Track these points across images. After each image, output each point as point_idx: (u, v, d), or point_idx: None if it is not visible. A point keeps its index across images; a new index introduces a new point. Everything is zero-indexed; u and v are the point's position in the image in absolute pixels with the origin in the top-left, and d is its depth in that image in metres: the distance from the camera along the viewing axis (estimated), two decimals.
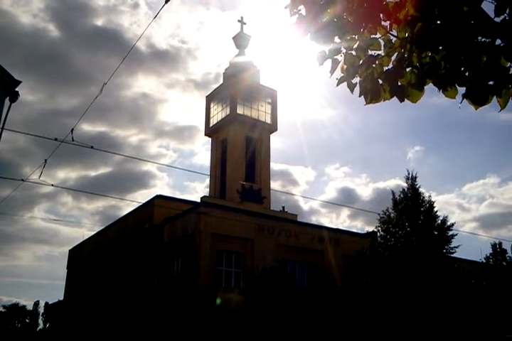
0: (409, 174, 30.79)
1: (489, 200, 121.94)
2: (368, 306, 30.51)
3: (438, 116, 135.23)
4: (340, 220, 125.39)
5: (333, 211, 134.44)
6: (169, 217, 35.53)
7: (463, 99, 2.83)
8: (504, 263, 38.65)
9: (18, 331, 45.64)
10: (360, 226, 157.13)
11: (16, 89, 18.11)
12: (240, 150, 41.74)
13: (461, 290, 30.24)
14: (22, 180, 16.75)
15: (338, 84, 3.24)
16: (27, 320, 68.66)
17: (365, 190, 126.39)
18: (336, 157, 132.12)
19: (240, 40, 48.11)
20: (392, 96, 2.95)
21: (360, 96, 3.05)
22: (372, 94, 2.95)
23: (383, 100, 2.99)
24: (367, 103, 3.00)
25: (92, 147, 14.07)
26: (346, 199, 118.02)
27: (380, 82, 2.97)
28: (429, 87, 2.90)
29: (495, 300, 30.79)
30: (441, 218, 29.59)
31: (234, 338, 28.39)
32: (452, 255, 30.43)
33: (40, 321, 74.34)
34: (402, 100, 2.93)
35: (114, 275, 42.55)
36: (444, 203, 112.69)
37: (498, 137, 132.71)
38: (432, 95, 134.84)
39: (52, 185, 16.24)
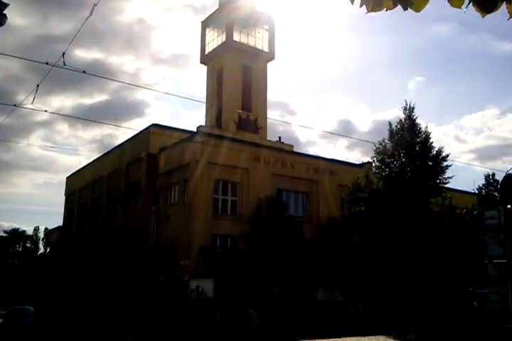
0: (406, 105, 30.48)
1: (487, 132, 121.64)
2: (361, 234, 31.29)
3: (439, 46, 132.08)
4: (337, 151, 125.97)
5: (330, 142, 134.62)
6: (165, 146, 35.53)
7: (469, 3, 2.62)
8: (496, 194, 39.25)
9: (20, 255, 47.13)
10: (358, 157, 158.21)
11: (4, 12, 17.34)
12: (236, 78, 40.91)
13: (452, 219, 30.92)
14: (15, 105, 16.48)
15: None
16: (28, 245, 70.66)
17: (363, 120, 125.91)
18: (336, 86, 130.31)
19: None
20: (395, 5, 2.73)
21: (360, 6, 2.82)
22: (374, 1, 2.73)
23: (385, 9, 2.77)
24: (368, 11, 2.79)
25: (84, 72, 13.74)
26: (344, 129, 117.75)
27: None
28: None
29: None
30: (436, 149, 29.66)
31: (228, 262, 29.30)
32: (446, 185, 30.81)
33: (41, 246, 76.73)
34: (405, 8, 2.72)
35: (112, 203, 43.22)
36: (442, 134, 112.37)
37: (499, 68, 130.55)
38: (432, 25, 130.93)
39: (45, 111, 15.98)
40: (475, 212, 32.04)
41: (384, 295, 25.14)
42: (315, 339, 17.97)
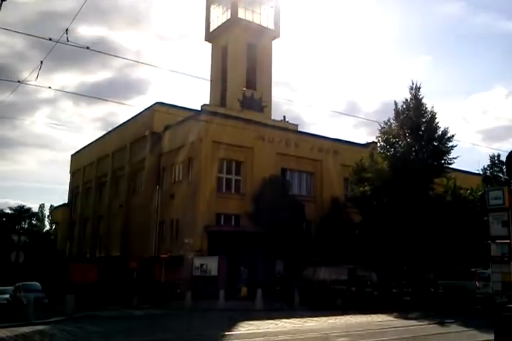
0: (413, 84, 30.19)
1: (494, 112, 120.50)
2: (364, 214, 31.39)
3: (447, 25, 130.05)
4: (342, 131, 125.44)
5: (335, 121, 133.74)
6: (169, 125, 35.45)
7: None
8: (501, 175, 39.16)
9: (26, 231, 47.53)
10: (363, 137, 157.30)
11: None
12: (241, 56, 40.50)
13: (456, 200, 30.93)
14: (18, 81, 16.37)
15: None
16: (33, 222, 71.27)
17: (369, 100, 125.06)
18: (342, 66, 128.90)
19: None
20: None
21: None
22: None
23: None
24: None
25: (87, 48, 13.62)
26: (350, 109, 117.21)
27: None
28: None
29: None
30: (442, 129, 29.48)
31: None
32: (450, 166, 30.73)
33: (46, 223, 77.34)
34: None
35: (116, 181, 43.37)
36: (448, 114, 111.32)
37: (507, 48, 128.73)
38: (440, 4, 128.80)
39: (49, 87, 15.91)
40: (479, 193, 31.99)
41: (386, 274, 25.30)
42: (315, 316, 18.17)
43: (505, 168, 8.33)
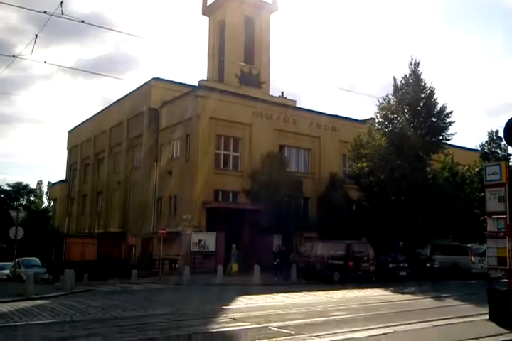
0: (412, 60, 29.89)
1: (496, 87, 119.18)
2: (362, 190, 31.50)
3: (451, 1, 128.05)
4: (341, 108, 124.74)
5: (335, 98, 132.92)
6: (167, 101, 35.22)
7: None
8: (498, 151, 39.11)
9: (24, 208, 47.59)
10: (362, 114, 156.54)
11: None
12: (239, 31, 39.97)
13: (453, 176, 31.03)
14: (13, 56, 16.17)
15: None
16: (31, 198, 71.27)
17: (369, 75, 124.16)
18: (341, 39, 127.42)
19: None
20: None
21: None
22: None
23: None
24: None
25: (82, 21, 13.46)
26: (350, 86, 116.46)
27: None
28: None
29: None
30: (440, 105, 29.30)
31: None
32: (448, 142, 30.67)
33: (45, 199, 77.36)
34: None
35: (114, 157, 43.28)
36: (449, 90, 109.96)
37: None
38: None
39: (45, 62, 15.70)
40: (476, 169, 32.07)
41: (383, 249, 25.52)
42: (313, 290, 18.38)
43: (504, 135, 8.19)
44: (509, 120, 7.70)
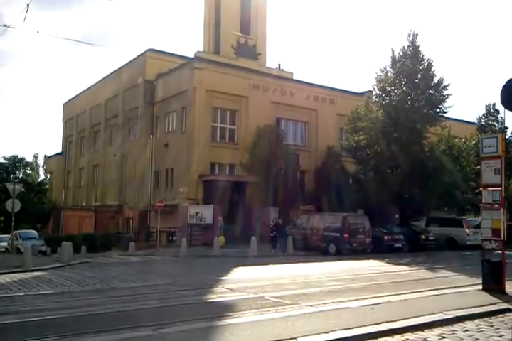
0: (410, 31, 29.48)
1: (496, 60, 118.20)
2: (359, 163, 31.53)
3: None
4: (338, 80, 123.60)
5: (331, 69, 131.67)
6: (162, 73, 34.86)
7: None
8: (495, 124, 39.07)
9: (20, 181, 47.40)
10: (360, 87, 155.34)
11: None
12: (235, 0, 39.27)
13: (450, 148, 31.06)
14: (5, 26, 15.89)
15: None
16: (28, 171, 71.24)
17: (368, 48, 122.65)
18: (342, 10, 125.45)
19: None
20: None
21: None
22: None
23: None
24: None
25: None
26: (348, 59, 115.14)
27: None
28: None
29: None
30: (438, 78, 29.07)
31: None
32: (445, 115, 30.57)
33: (41, 172, 77.30)
34: None
35: (110, 129, 43.08)
36: (446, 63, 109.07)
37: None
38: None
39: (37, 32, 15.45)
40: (473, 142, 32.08)
41: (379, 222, 25.73)
42: (309, 262, 18.60)
43: (500, 98, 8.06)
44: (507, 82, 7.56)
